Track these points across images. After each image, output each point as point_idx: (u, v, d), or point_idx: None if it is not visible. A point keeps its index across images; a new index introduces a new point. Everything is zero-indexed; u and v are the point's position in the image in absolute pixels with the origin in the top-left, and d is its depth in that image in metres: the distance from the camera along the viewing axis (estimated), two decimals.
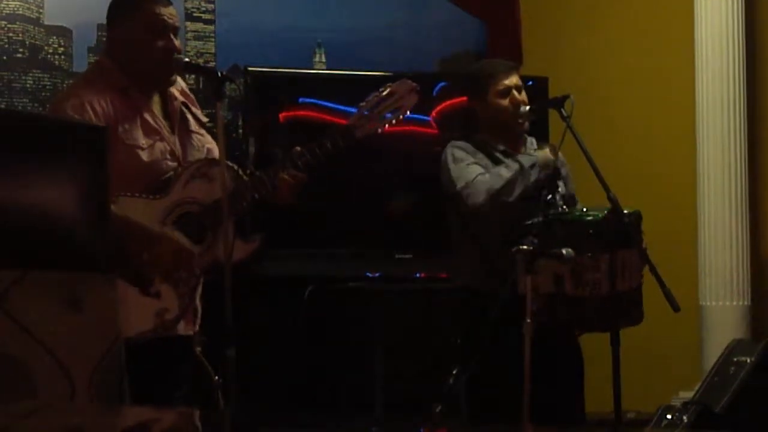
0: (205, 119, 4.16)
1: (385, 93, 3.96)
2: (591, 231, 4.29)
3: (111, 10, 3.98)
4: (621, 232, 4.31)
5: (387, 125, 4.00)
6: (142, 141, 3.83)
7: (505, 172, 4.51)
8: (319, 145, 3.91)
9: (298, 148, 3.90)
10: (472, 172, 4.54)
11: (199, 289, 3.97)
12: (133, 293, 3.72)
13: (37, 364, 2.20)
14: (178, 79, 4.03)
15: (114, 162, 3.29)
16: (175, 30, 3.91)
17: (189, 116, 4.00)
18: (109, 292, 2.41)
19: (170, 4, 3.99)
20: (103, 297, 2.38)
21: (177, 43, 3.90)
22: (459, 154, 4.63)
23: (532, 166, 4.51)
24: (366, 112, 3.94)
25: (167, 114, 3.95)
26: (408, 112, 4.02)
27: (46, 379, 2.20)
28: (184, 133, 3.98)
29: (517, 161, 4.54)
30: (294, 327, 5.97)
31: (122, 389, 2.37)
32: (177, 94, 4.00)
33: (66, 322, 2.27)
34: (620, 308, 4.33)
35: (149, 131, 3.86)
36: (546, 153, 4.55)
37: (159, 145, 3.86)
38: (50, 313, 2.25)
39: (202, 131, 4.03)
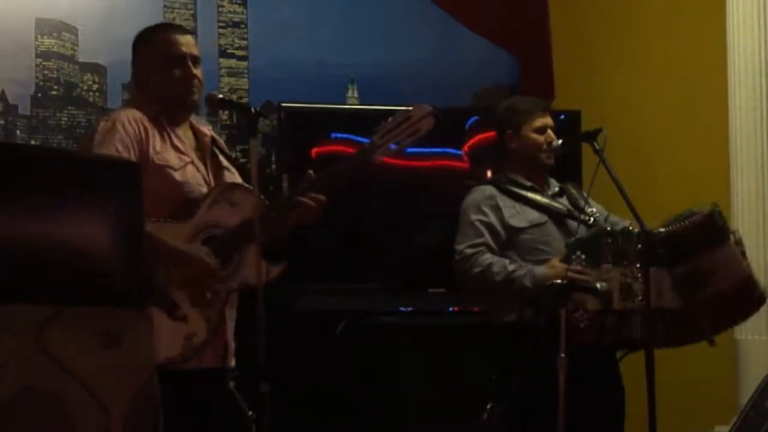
0: (233, 156, 4.20)
1: (401, 117, 3.98)
2: (640, 243, 4.31)
3: (133, 45, 4.06)
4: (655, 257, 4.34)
5: (404, 148, 4.03)
6: (174, 162, 3.87)
7: (508, 266, 4.55)
8: (335, 168, 3.94)
9: (311, 172, 3.93)
10: (478, 240, 4.62)
11: (232, 323, 3.98)
12: (161, 318, 3.72)
13: (74, 401, 2.20)
14: (207, 126, 4.08)
15: (145, 183, 3.30)
16: (194, 58, 3.96)
17: (218, 153, 4.04)
18: (144, 327, 2.42)
19: (188, 33, 4.05)
20: (138, 332, 2.38)
21: (197, 71, 3.94)
22: (474, 204, 4.70)
23: (535, 279, 4.52)
24: (383, 137, 3.96)
25: (198, 146, 3.99)
26: (425, 134, 4.02)
27: (83, 417, 2.20)
28: (217, 168, 4.02)
29: (529, 270, 4.56)
30: (327, 362, 5.96)
31: (157, 427, 2.37)
32: (206, 131, 4.05)
33: (102, 358, 2.27)
34: (664, 324, 4.32)
35: (181, 155, 3.90)
36: (558, 270, 4.49)
37: (190, 168, 3.91)
38: (86, 349, 2.25)
39: (233, 169, 4.07)
